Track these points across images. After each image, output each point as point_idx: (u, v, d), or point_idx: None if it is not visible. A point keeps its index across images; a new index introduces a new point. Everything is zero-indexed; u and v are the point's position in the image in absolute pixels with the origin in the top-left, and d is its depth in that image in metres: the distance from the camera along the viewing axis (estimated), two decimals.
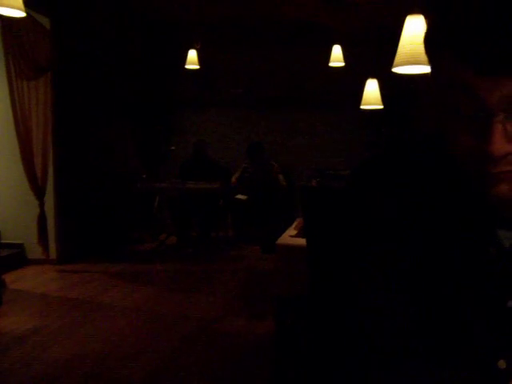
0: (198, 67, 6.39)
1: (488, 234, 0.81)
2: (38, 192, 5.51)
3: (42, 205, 5.51)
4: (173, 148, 8.14)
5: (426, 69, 2.76)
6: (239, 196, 7.34)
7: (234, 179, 7.44)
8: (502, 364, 0.79)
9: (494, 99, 0.68)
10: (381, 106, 4.74)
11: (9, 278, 4.89)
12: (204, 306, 4.37)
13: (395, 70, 2.76)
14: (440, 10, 0.74)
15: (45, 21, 5.46)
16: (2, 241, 5.57)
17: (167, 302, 4.51)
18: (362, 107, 4.78)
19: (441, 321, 0.81)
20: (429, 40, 0.77)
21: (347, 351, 0.81)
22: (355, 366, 0.82)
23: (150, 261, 6.23)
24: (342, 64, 5.64)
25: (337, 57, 5.58)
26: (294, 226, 3.17)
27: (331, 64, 5.68)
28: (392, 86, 5.36)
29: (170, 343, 3.52)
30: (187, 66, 6.36)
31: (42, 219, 5.53)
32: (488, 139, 0.69)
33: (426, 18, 2.77)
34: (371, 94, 4.68)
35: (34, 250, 5.58)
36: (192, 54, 6.27)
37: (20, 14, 3.24)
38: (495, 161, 0.70)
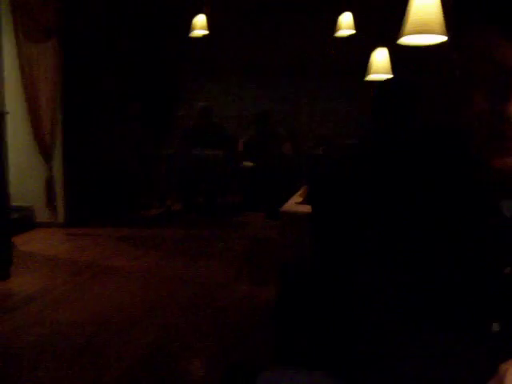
0: (207, 32, 6.31)
1: (488, 205, 0.84)
2: (46, 155, 5.55)
3: (50, 168, 5.56)
4: (180, 113, 8.13)
5: (438, 38, 2.73)
6: (246, 163, 7.35)
7: (241, 146, 7.44)
8: (495, 327, 0.82)
9: None
10: (390, 75, 4.70)
11: (18, 240, 4.97)
12: (209, 272, 4.44)
13: (403, 39, 2.74)
14: None
15: None
16: (12, 203, 5.63)
17: (173, 266, 4.58)
18: (370, 77, 4.74)
19: (436, 288, 0.84)
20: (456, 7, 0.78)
21: (345, 316, 0.83)
22: (352, 330, 0.85)
23: (157, 226, 6.30)
24: (352, 32, 5.56)
25: (346, 24, 5.50)
26: (299, 193, 3.20)
27: (339, 33, 5.59)
28: (403, 55, 5.30)
29: (176, 305, 3.60)
30: (196, 31, 6.29)
31: (49, 183, 5.59)
32: (508, 99, 0.71)
33: None
34: (380, 62, 4.63)
35: (43, 213, 5.65)
36: (201, 19, 6.20)
37: None
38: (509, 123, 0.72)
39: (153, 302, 3.69)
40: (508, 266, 0.84)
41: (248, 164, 7.34)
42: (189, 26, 6.33)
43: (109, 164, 6.54)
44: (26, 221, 5.63)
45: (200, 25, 6.20)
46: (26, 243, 5.08)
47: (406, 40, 2.79)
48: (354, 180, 0.95)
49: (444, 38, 2.64)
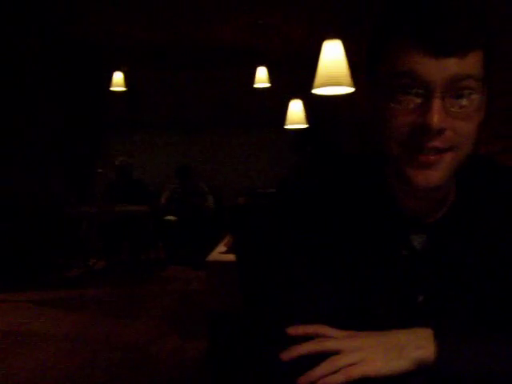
0: (124, 89, 6.36)
1: (400, 238, 0.90)
2: None
3: None
4: (100, 170, 8.01)
5: (345, 90, 2.91)
6: (169, 217, 7.32)
7: (163, 200, 7.42)
8: None
9: (435, 79, 0.75)
10: (305, 125, 4.91)
11: None
12: (136, 330, 4.32)
13: (315, 91, 2.90)
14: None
15: None
16: None
17: (96, 328, 4.41)
18: (286, 127, 4.93)
19: (360, 323, 0.88)
20: (375, 32, 0.84)
21: (279, 368, 0.85)
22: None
23: (79, 287, 6.07)
24: (268, 85, 5.79)
25: (262, 78, 5.72)
26: (223, 242, 3.22)
27: (256, 85, 5.81)
28: (315, 106, 5.55)
29: (99, 371, 3.45)
30: (113, 89, 6.32)
31: None
32: (427, 113, 0.76)
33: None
34: (295, 113, 4.84)
35: None
36: (118, 76, 6.24)
37: None
38: (432, 134, 0.76)
39: (79, 366, 3.52)
40: (420, 295, 0.90)
41: (170, 218, 7.30)
42: (108, 82, 6.36)
43: (25, 223, 6.30)
44: None
45: (117, 82, 6.24)
46: None
47: (318, 91, 2.96)
48: (275, 226, 0.99)
49: (351, 89, 2.81)
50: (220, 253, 2.98)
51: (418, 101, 0.77)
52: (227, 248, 3.00)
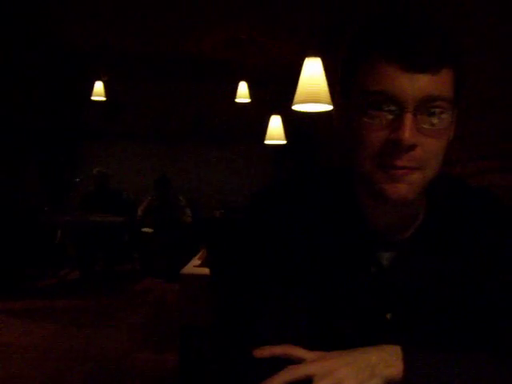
0: (104, 99, 6.33)
1: (369, 255, 0.91)
2: None
3: None
4: (77, 180, 7.95)
5: (325, 107, 2.94)
6: (145, 229, 7.27)
7: (140, 212, 7.37)
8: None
9: (408, 95, 0.76)
10: (284, 141, 4.93)
11: None
12: (109, 342, 4.26)
13: (295, 107, 2.92)
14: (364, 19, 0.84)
15: None
16: None
17: (68, 339, 4.33)
18: (266, 142, 4.95)
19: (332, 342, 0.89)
20: (349, 47, 0.85)
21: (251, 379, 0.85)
22: None
23: (51, 297, 5.98)
24: (248, 100, 5.82)
25: (243, 93, 5.75)
26: (198, 256, 3.21)
27: (237, 100, 5.84)
28: (295, 121, 5.58)
29: (73, 380, 3.40)
30: (93, 98, 6.28)
31: None
32: (399, 129, 0.77)
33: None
34: (275, 129, 4.86)
35: None
36: (98, 86, 6.21)
37: None
38: (402, 151, 0.77)
39: (49, 378, 3.45)
40: (389, 313, 0.91)
41: (147, 230, 7.26)
42: (88, 92, 6.32)
43: None
44: None
45: (97, 91, 6.21)
46: None
47: (297, 108, 2.98)
48: (246, 242, 0.99)
49: (330, 107, 2.84)
50: (194, 266, 2.97)
51: (390, 117, 0.78)
52: (202, 261, 3.00)
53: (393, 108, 0.78)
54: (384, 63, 0.77)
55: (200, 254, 3.25)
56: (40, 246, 7.00)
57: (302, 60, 2.95)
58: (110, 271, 6.88)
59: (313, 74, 2.77)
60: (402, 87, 0.76)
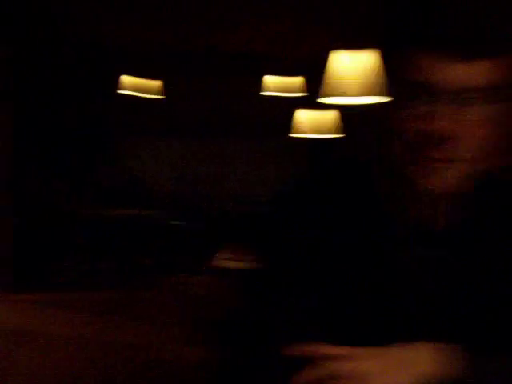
0: (131, 93, 6.38)
1: (400, 247, 0.90)
2: None
3: None
4: (109, 175, 8.04)
5: (351, 100, 2.91)
6: (174, 222, 7.32)
7: (170, 205, 7.42)
8: None
9: (443, 84, 0.75)
10: (310, 135, 4.90)
11: None
12: (137, 335, 4.31)
13: (321, 100, 2.90)
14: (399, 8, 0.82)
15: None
16: None
17: (97, 331, 4.40)
18: (291, 136, 4.92)
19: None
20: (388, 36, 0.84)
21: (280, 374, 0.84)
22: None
23: (83, 289, 6.08)
24: (274, 94, 5.79)
25: (268, 87, 5.72)
26: (225, 249, 3.22)
27: (262, 93, 5.81)
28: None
29: (98, 374, 3.45)
30: (120, 92, 6.34)
31: None
32: (433, 119, 0.75)
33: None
34: (301, 123, 4.83)
35: None
36: (125, 80, 6.26)
37: None
38: (436, 143, 0.76)
39: (79, 369, 3.52)
40: (419, 307, 0.89)
41: (176, 223, 7.31)
42: (116, 86, 6.39)
43: (34, 227, 6.31)
44: None
45: (124, 85, 6.26)
46: None
47: (323, 101, 2.96)
48: (272, 236, 0.99)
49: (357, 99, 2.81)
50: (223, 259, 2.97)
51: (426, 107, 0.77)
52: (229, 255, 3.00)
53: (426, 98, 0.76)
54: (420, 52, 0.76)
55: (228, 247, 3.26)
56: (76, 239, 7.12)
57: (329, 52, 2.93)
58: (139, 264, 6.95)
59: (340, 66, 2.75)
60: (438, 76, 0.75)
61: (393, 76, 0.81)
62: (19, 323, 4.53)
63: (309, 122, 4.85)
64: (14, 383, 3.20)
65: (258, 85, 5.77)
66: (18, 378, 3.28)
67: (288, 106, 5.32)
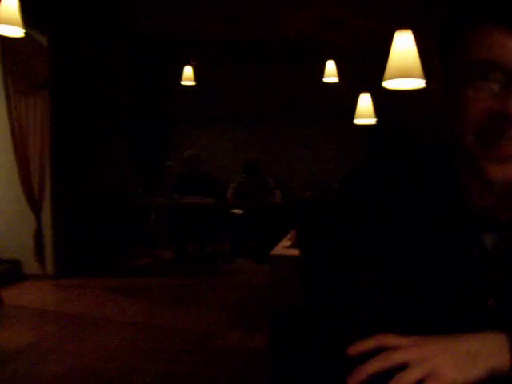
0: (193, 83, 6.46)
1: (471, 236, 0.85)
2: (35, 208, 5.54)
3: (38, 220, 5.54)
4: (169, 163, 8.19)
5: (417, 82, 2.82)
6: (235, 210, 7.38)
7: (229, 195, 7.48)
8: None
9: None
10: (374, 120, 4.81)
11: (5, 293, 4.89)
12: (200, 320, 4.38)
13: (385, 84, 2.82)
14: None
15: (42, 39, 5.53)
16: None
17: (163, 316, 4.52)
18: (355, 121, 4.85)
19: (428, 326, 0.84)
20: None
21: (339, 363, 0.83)
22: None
23: (146, 275, 6.25)
24: (336, 79, 5.72)
25: (330, 72, 5.66)
26: (288, 237, 3.21)
27: (325, 80, 5.75)
28: (385, 99, 5.42)
29: (166, 356, 3.53)
30: (183, 83, 6.43)
31: (38, 235, 5.55)
32: (507, 100, 0.70)
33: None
34: (364, 108, 4.74)
35: (31, 266, 5.59)
36: (188, 71, 6.35)
37: (18, 32, 3.29)
38: (509, 126, 0.71)
39: (144, 351, 3.61)
40: (490, 299, 0.85)
41: (237, 211, 7.36)
42: (177, 77, 6.48)
43: (98, 215, 6.53)
44: (14, 273, 5.56)
45: (187, 76, 6.35)
46: (14, 296, 5.00)
47: (388, 84, 2.88)
48: (339, 223, 0.96)
49: (422, 82, 2.71)
50: (284, 247, 2.97)
51: (497, 87, 0.72)
52: (292, 242, 2.99)
53: (500, 77, 0.71)
54: (491, 29, 0.70)
55: (290, 235, 3.24)
56: (135, 227, 7.32)
57: (392, 35, 2.84)
58: (201, 252, 7.06)
59: (404, 47, 2.66)
60: (511, 54, 0.69)
61: (454, 56, 0.76)
62: (84, 308, 4.70)
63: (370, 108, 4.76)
64: (82, 364, 3.32)
65: (321, 71, 5.71)
66: (80, 360, 3.40)
67: (351, 91, 5.24)
